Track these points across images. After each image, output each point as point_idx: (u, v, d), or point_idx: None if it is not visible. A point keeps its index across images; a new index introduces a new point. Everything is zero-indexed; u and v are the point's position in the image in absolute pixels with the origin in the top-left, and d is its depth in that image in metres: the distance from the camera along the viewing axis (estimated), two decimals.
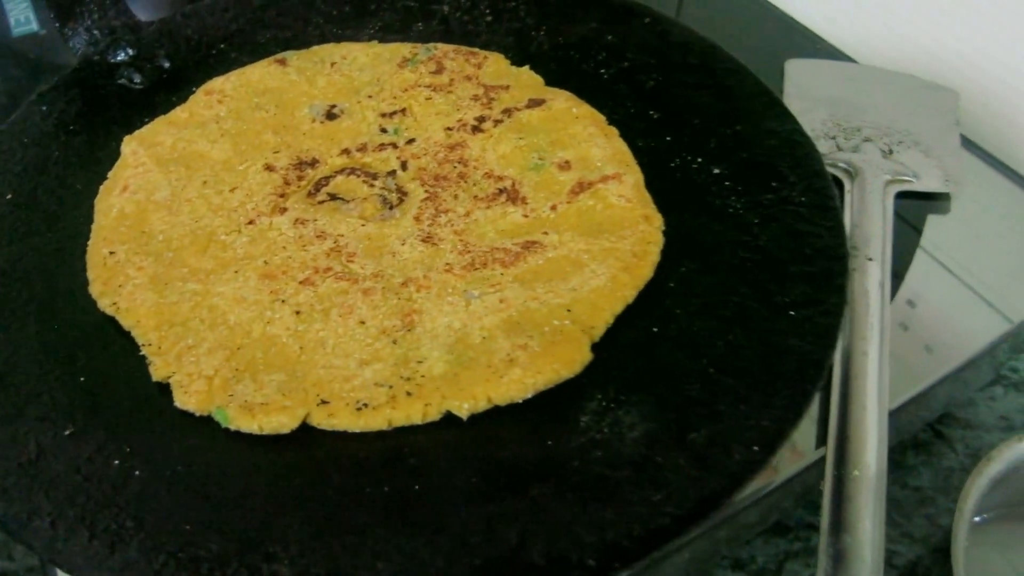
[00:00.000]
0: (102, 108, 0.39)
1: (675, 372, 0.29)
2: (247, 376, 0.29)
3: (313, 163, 0.38)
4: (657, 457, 0.26)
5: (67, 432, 0.27)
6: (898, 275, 0.41)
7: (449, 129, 0.39)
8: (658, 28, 0.43)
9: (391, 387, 0.28)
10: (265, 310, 0.31)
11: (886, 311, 0.37)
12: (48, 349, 0.30)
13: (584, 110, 0.40)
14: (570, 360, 0.29)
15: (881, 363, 0.36)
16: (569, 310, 0.31)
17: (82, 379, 0.29)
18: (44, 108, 0.38)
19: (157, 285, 0.32)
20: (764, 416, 0.27)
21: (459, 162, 0.37)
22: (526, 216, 0.35)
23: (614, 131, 0.39)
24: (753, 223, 0.34)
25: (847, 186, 0.43)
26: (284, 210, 0.35)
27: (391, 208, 0.35)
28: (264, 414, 0.27)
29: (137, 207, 0.35)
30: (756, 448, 0.26)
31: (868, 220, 0.41)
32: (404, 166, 0.37)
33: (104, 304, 0.31)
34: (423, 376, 0.29)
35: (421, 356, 0.30)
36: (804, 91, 0.49)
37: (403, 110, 0.40)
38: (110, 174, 0.37)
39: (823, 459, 0.34)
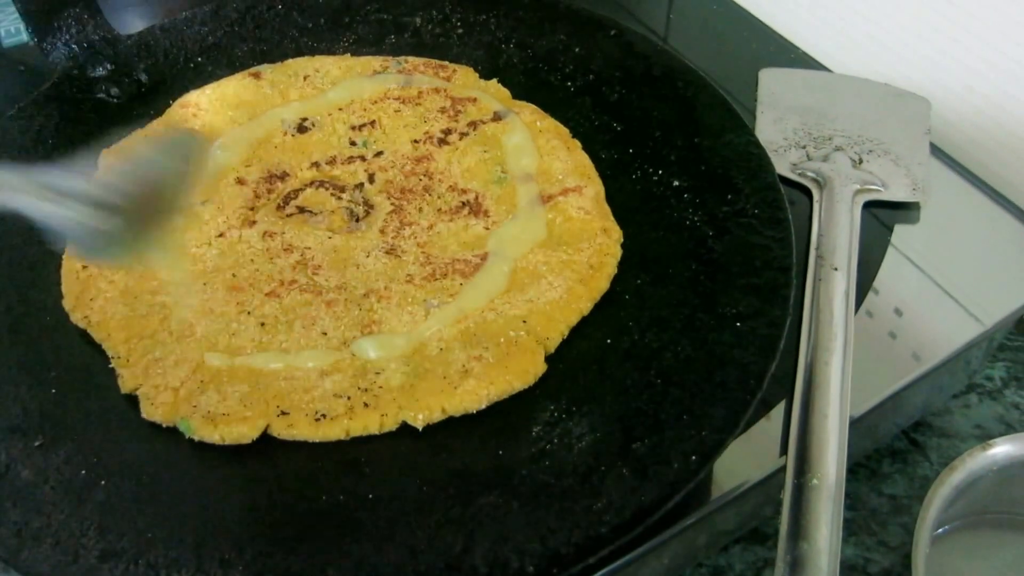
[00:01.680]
0: (80, 122, 0.41)
1: (625, 383, 0.31)
2: (211, 387, 0.30)
3: (283, 176, 0.39)
4: (602, 467, 0.28)
5: (37, 443, 0.29)
6: (869, 279, 0.42)
7: (416, 141, 0.41)
8: (623, 41, 0.44)
9: (349, 398, 0.30)
10: (231, 322, 0.33)
11: (850, 321, 0.38)
12: (21, 362, 0.31)
13: (548, 123, 0.41)
14: (524, 371, 0.31)
15: (843, 373, 0.37)
16: (525, 321, 0.32)
17: (53, 391, 0.31)
18: (22, 123, 0.40)
19: (127, 298, 0.33)
20: (704, 426, 0.28)
21: (425, 175, 0.39)
22: (487, 228, 0.36)
23: (577, 144, 0.40)
24: (708, 235, 0.35)
25: (816, 195, 0.44)
26: (253, 223, 0.37)
27: (357, 221, 0.37)
28: (226, 424, 0.29)
29: None
30: (694, 458, 0.28)
31: (835, 229, 0.42)
32: (371, 179, 0.39)
33: (76, 318, 0.33)
34: (380, 387, 0.30)
35: (379, 367, 0.31)
36: (777, 100, 0.50)
37: (372, 122, 0.42)
38: None
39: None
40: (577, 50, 0.45)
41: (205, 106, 0.42)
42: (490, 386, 0.30)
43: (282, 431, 0.29)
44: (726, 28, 0.60)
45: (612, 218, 0.37)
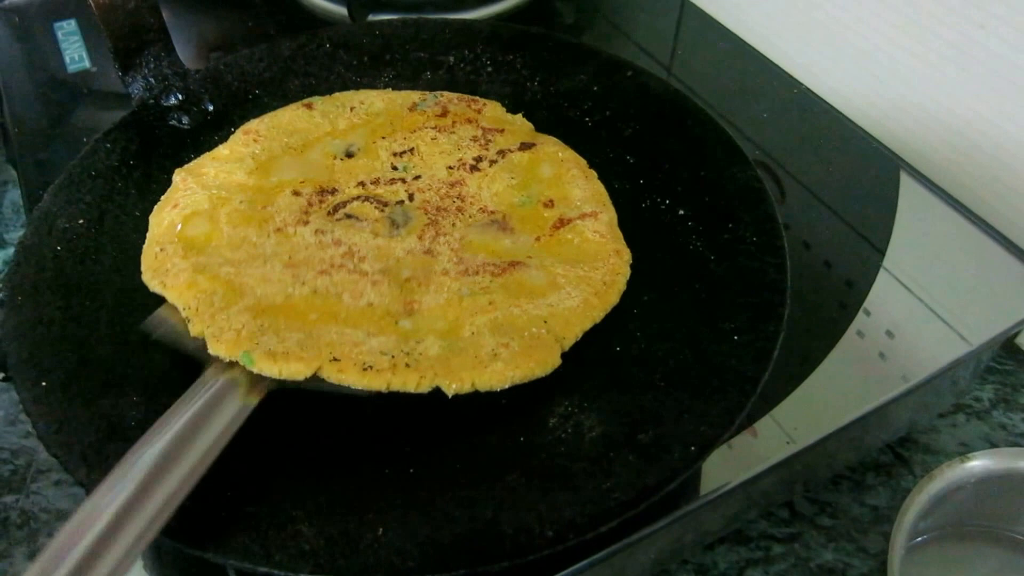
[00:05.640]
0: (156, 145, 0.47)
1: (632, 385, 0.36)
2: (270, 331, 0.35)
3: (333, 191, 0.45)
4: (610, 453, 0.33)
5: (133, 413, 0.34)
6: (860, 300, 0.47)
7: (450, 168, 0.46)
8: (638, 81, 0.50)
9: (393, 357, 0.35)
10: (287, 287, 0.38)
11: None
12: (115, 346, 0.37)
13: (568, 155, 0.47)
14: (543, 362, 0.36)
15: None
16: (546, 321, 0.38)
17: (144, 370, 0.36)
18: (108, 145, 0.46)
19: (197, 269, 0.39)
20: (703, 423, 0.34)
21: (458, 197, 0.45)
22: (513, 243, 0.42)
23: (593, 174, 0.46)
24: (710, 259, 0.41)
25: None
26: (307, 223, 0.43)
27: (397, 227, 0.43)
28: (284, 361, 0.34)
29: (184, 219, 0.42)
30: (693, 448, 0.33)
31: None
32: (411, 197, 0.45)
33: (153, 285, 0.39)
34: (420, 354, 0.35)
35: (419, 337, 0.36)
36: None
37: (411, 149, 0.48)
38: (163, 197, 0.44)
39: (778, 465, 0.40)
40: (596, 89, 0.51)
41: (264, 132, 0.48)
42: (515, 370, 0.35)
43: (332, 375, 0.34)
44: (730, 62, 0.66)
45: (624, 242, 0.42)
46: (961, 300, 0.47)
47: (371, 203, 0.44)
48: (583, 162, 0.46)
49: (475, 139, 0.48)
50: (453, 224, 0.43)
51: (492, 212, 0.44)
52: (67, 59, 0.67)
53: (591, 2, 0.75)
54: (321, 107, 0.51)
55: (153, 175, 0.46)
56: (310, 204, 0.44)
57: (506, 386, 0.35)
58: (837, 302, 0.47)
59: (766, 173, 0.55)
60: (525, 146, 0.47)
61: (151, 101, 0.49)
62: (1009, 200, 0.56)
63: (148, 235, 0.42)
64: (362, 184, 0.46)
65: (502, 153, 0.47)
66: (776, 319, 0.37)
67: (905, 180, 0.54)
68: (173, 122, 0.49)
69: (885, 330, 0.46)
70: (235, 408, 0.32)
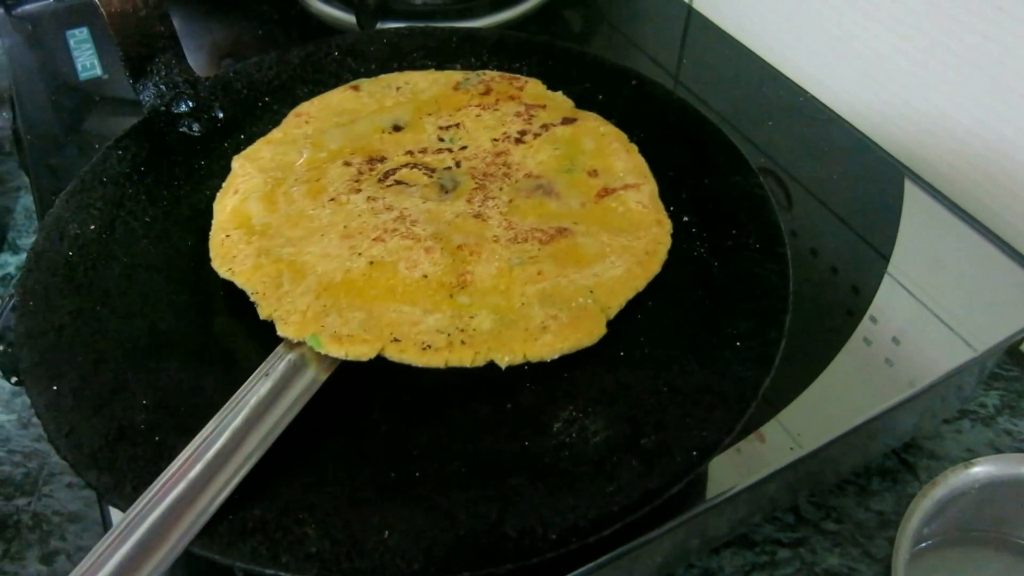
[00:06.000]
0: (166, 152, 0.48)
1: (635, 389, 0.36)
2: (333, 311, 0.37)
3: (382, 160, 0.46)
4: (613, 457, 0.33)
5: (143, 416, 0.35)
6: (866, 300, 0.47)
7: (495, 140, 0.47)
8: (643, 89, 0.51)
9: (449, 335, 0.36)
10: (345, 261, 0.39)
11: None
12: (125, 351, 0.38)
13: (609, 129, 0.48)
14: (590, 332, 0.37)
15: None
16: (592, 291, 0.38)
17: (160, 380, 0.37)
18: (119, 152, 0.47)
19: (261, 253, 0.40)
20: (704, 428, 0.34)
21: (504, 165, 0.46)
22: (560, 207, 0.43)
23: (634, 148, 0.47)
24: (713, 265, 0.41)
25: None
26: (359, 191, 0.44)
27: (446, 192, 0.44)
28: (350, 344, 0.35)
29: (245, 202, 0.44)
30: (695, 453, 0.33)
31: None
32: (458, 164, 0.46)
33: (223, 272, 0.40)
34: (474, 330, 0.37)
35: (473, 312, 0.37)
36: None
37: (457, 124, 0.49)
38: (224, 184, 0.46)
39: (784, 469, 0.40)
40: (601, 97, 0.51)
41: (315, 114, 0.50)
42: (564, 341, 0.36)
43: (394, 355, 0.36)
44: (736, 71, 0.67)
45: (665, 212, 0.43)
46: (966, 307, 0.47)
47: (420, 169, 0.45)
48: (624, 136, 0.47)
49: (518, 114, 0.49)
50: (500, 188, 0.44)
51: (538, 177, 0.45)
52: (79, 66, 0.68)
53: (598, 11, 0.76)
54: (368, 88, 0.52)
55: (163, 181, 0.47)
56: (360, 173, 0.45)
57: (555, 356, 0.36)
58: (843, 308, 0.47)
59: (773, 180, 0.55)
60: (567, 121, 0.48)
61: (162, 108, 0.50)
62: (1013, 207, 0.56)
63: (213, 222, 0.43)
64: (410, 153, 0.47)
65: (545, 127, 0.48)
66: (778, 325, 0.38)
67: (909, 187, 0.54)
68: (183, 129, 0.50)
69: (891, 336, 0.46)
70: (309, 379, 0.35)
